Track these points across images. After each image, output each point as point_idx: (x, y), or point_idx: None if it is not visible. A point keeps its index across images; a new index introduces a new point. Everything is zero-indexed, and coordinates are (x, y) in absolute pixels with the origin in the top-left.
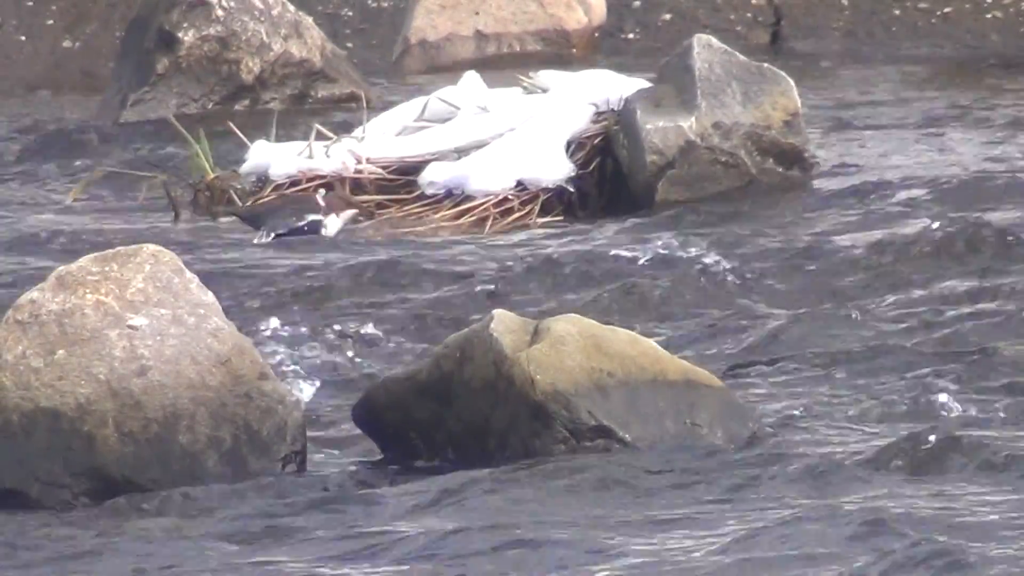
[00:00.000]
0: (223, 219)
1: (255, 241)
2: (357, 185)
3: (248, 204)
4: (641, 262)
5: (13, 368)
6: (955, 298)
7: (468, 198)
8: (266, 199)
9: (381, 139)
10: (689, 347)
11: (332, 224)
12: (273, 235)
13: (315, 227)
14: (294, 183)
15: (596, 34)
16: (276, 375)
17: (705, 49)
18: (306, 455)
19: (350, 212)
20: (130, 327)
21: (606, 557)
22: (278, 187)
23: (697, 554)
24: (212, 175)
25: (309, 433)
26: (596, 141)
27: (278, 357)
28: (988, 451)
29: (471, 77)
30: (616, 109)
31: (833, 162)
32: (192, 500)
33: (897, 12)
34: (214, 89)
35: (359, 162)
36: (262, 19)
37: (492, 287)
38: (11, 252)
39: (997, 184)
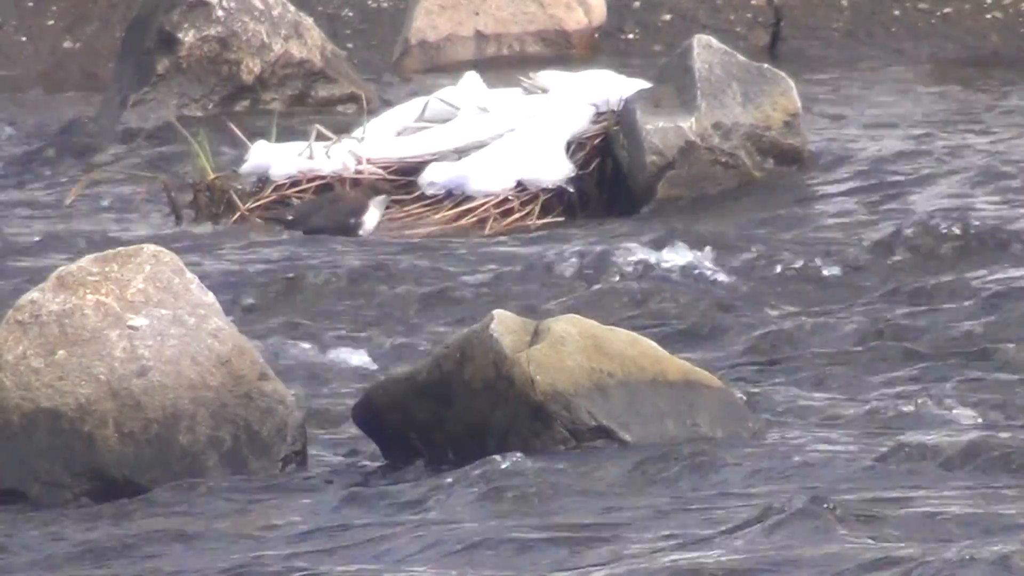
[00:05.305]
0: (268, 224)
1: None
2: (357, 185)
3: (289, 208)
4: (641, 262)
5: (13, 368)
6: (956, 297)
7: (468, 198)
8: (306, 200)
9: (381, 139)
10: (689, 347)
11: (370, 219)
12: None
13: (355, 227)
14: (294, 183)
15: (596, 34)
16: (276, 375)
17: (705, 49)
18: (306, 455)
19: (382, 197)
20: (130, 327)
21: (607, 557)
22: (278, 187)
23: (697, 554)
24: (212, 175)
25: (309, 433)
26: (596, 141)
27: (278, 357)
28: (988, 451)
29: (471, 77)
30: (616, 109)
31: (833, 162)
32: (192, 500)
33: (897, 12)
34: (214, 89)
35: (359, 162)
36: (262, 20)
37: (492, 287)
38: (11, 252)
39: (998, 183)
